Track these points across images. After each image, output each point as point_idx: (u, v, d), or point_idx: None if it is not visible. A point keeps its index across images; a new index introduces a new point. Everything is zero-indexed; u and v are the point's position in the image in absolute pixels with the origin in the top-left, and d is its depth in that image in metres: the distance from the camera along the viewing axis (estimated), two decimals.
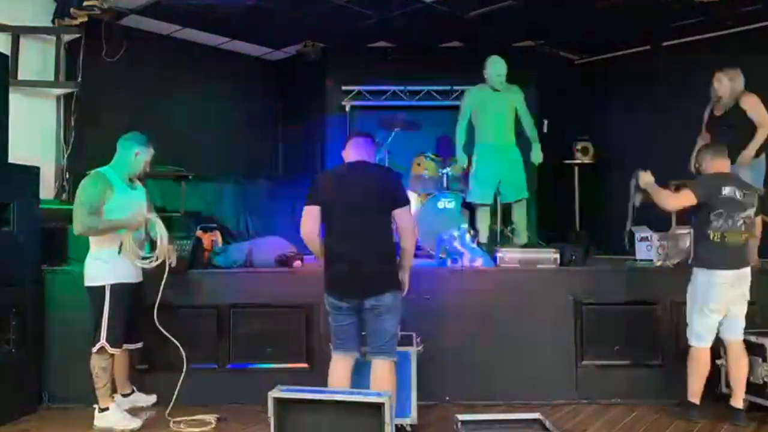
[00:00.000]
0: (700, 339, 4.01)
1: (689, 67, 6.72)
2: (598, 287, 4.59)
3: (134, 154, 4.06)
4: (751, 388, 4.10)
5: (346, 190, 3.46)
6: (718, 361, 4.25)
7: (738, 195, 3.97)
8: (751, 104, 4.86)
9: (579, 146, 7.47)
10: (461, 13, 6.35)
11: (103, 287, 3.88)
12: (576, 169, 7.51)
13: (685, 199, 3.99)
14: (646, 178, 4.23)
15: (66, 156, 5.93)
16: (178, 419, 3.98)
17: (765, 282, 4.58)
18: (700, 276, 4.01)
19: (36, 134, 5.81)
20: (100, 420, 3.92)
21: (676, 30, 6.73)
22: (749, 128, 4.85)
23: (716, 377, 4.29)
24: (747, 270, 4.00)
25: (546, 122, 6.77)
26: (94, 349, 3.86)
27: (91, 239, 3.93)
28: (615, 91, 7.38)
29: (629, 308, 4.57)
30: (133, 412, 4.11)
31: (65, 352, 4.33)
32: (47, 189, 5.61)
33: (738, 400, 4.03)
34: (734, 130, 4.85)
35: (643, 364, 4.53)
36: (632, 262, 5.34)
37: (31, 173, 4.42)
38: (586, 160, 7.49)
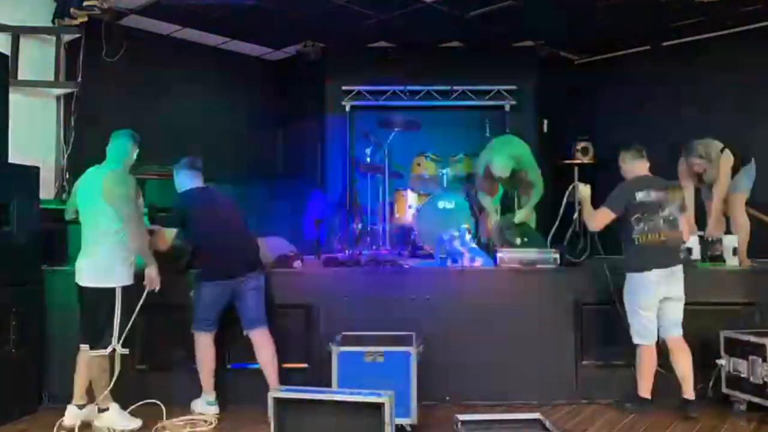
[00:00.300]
0: (641, 337, 4.11)
1: (689, 67, 6.72)
2: (598, 287, 4.59)
3: (132, 151, 4.06)
4: (751, 388, 4.10)
5: (217, 209, 4.29)
6: (718, 361, 4.25)
7: (653, 196, 4.11)
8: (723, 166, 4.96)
9: (579, 146, 7.47)
10: (461, 13, 6.35)
11: (115, 289, 3.84)
12: (576, 169, 7.51)
13: (604, 217, 4.16)
14: (585, 192, 4.38)
15: (66, 156, 5.93)
16: (179, 419, 3.98)
17: (765, 282, 4.59)
18: (630, 279, 4.16)
19: (36, 134, 5.82)
20: (100, 420, 3.91)
21: (676, 30, 6.73)
22: None
23: (717, 377, 4.30)
24: (677, 268, 4.10)
25: (546, 122, 6.78)
26: (105, 352, 3.81)
27: (115, 236, 3.84)
28: (615, 91, 7.38)
29: None
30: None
31: (65, 352, 4.32)
32: (47, 189, 5.61)
33: (689, 392, 4.10)
34: None
35: None
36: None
37: (31, 173, 4.41)
38: (586, 160, 7.49)
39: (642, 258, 4.07)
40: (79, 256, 3.93)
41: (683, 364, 4.11)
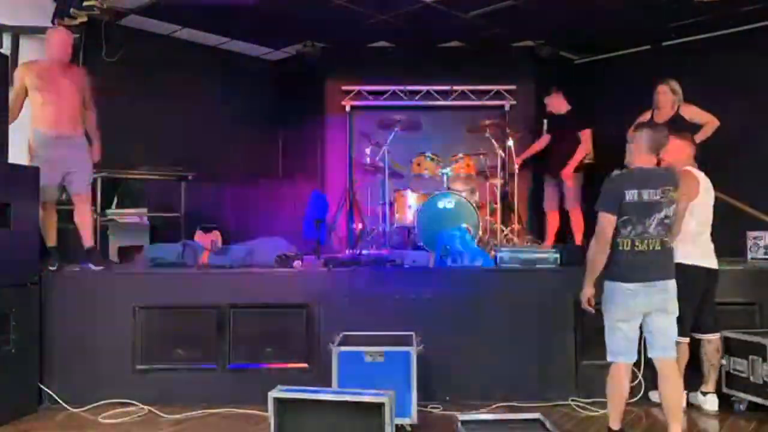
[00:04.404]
0: (613, 355, 3.54)
1: (689, 67, 6.71)
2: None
3: None
4: (751, 388, 4.11)
5: None
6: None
7: (650, 196, 3.38)
8: (693, 112, 5.18)
9: None
10: (461, 13, 6.35)
11: None
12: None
13: (607, 223, 3.49)
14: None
15: None
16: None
17: (765, 282, 4.59)
18: (607, 288, 3.55)
19: None
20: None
21: (676, 30, 6.73)
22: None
23: (718, 376, 4.30)
24: (664, 282, 3.43)
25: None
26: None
27: None
28: (615, 91, 7.37)
29: None
30: None
31: (65, 352, 4.33)
32: None
33: (677, 429, 3.41)
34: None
35: (642, 364, 4.51)
36: None
37: (31, 173, 4.41)
38: (586, 160, 7.47)
39: (625, 267, 3.48)
40: None
41: (675, 394, 3.50)
